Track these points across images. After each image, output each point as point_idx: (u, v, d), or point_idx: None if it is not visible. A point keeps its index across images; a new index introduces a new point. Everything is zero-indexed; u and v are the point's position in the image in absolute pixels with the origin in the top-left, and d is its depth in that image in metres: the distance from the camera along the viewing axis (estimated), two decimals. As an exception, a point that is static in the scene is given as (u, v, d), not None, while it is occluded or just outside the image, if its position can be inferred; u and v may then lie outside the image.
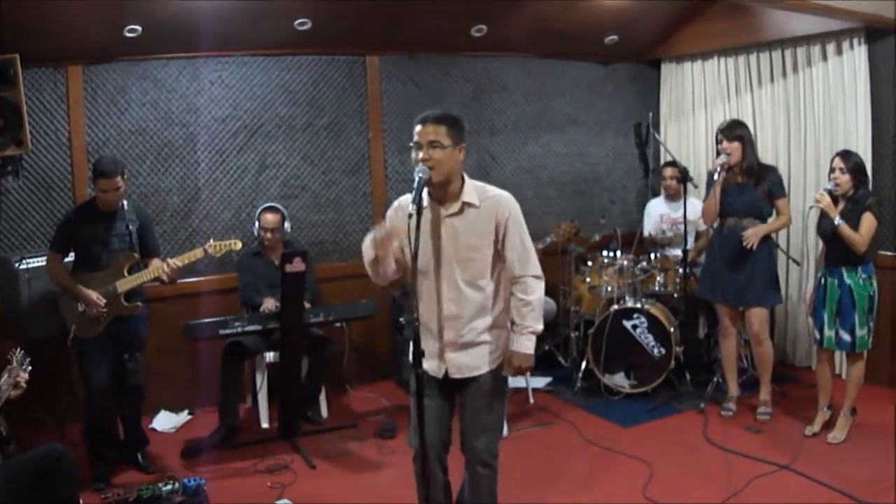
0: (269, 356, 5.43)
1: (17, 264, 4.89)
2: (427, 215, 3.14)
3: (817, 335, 4.91)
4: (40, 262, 4.80)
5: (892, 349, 5.68)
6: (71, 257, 4.65)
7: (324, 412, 5.68)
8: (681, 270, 5.89)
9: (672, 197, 6.50)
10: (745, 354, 5.94)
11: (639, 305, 5.75)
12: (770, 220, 5.21)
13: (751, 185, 5.15)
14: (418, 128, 3.13)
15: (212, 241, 4.81)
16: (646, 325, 5.71)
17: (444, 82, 6.59)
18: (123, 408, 4.80)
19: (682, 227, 5.88)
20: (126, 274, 4.57)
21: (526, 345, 3.27)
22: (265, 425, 5.48)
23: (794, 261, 6.09)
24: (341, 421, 5.58)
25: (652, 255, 6.10)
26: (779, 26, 6.05)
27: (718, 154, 5.19)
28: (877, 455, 4.59)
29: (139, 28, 5.09)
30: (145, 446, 4.91)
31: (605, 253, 6.15)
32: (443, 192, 3.19)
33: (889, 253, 5.65)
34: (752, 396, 5.46)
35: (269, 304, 5.23)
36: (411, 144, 3.15)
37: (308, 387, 5.49)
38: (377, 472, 4.79)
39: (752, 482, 4.34)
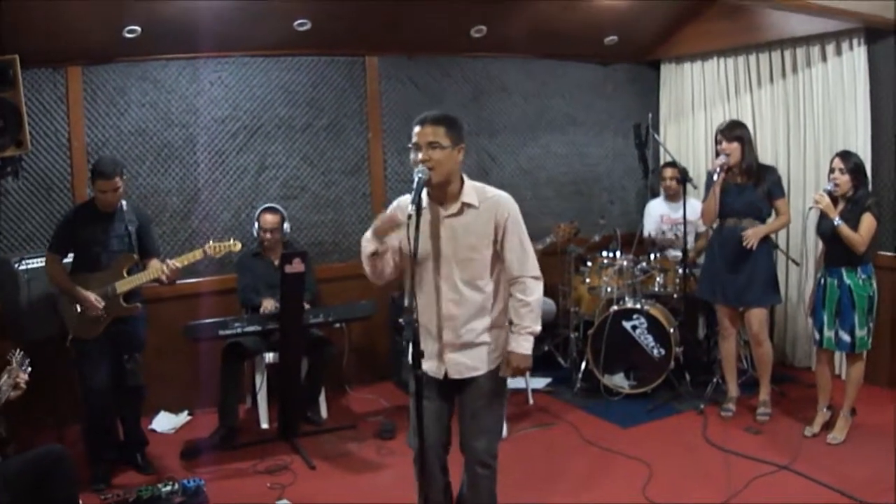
0: (269, 357, 5.43)
1: (16, 265, 4.89)
2: (426, 216, 3.14)
3: (817, 336, 4.91)
4: (40, 262, 4.80)
5: (892, 350, 5.68)
6: (70, 258, 4.65)
7: (323, 413, 5.69)
8: (680, 271, 5.89)
9: (672, 197, 6.50)
10: (744, 355, 5.94)
11: (638, 306, 5.75)
12: (769, 220, 5.21)
13: (750, 185, 5.15)
14: (417, 129, 3.13)
15: (211, 242, 4.81)
16: (645, 325, 5.71)
17: (444, 83, 6.59)
18: (123, 408, 4.80)
19: (682, 227, 5.88)
20: (125, 275, 4.57)
21: (524, 345, 3.27)
22: (265, 426, 5.47)
23: (794, 261, 6.09)
24: (341, 422, 5.58)
25: (651, 256, 6.09)
26: (778, 27, 6.05)
27: (718, 154, 5.19)
28: (876, 455, 4.58)
29: (139, 29, 5.09)
30: (145, 447, 4.91)
31: (604, 253, 6.15)
32: (442, 192, 3.19)
33: (888, 253, 5.65)
34: (752, 397, 5.46)
35: (269, 304, 5.23)
36: (410, 145, 3.15)
37: (307, 387, 5.49)
38: (376, 473, 4.79)
39: (751, 483, 4.34)
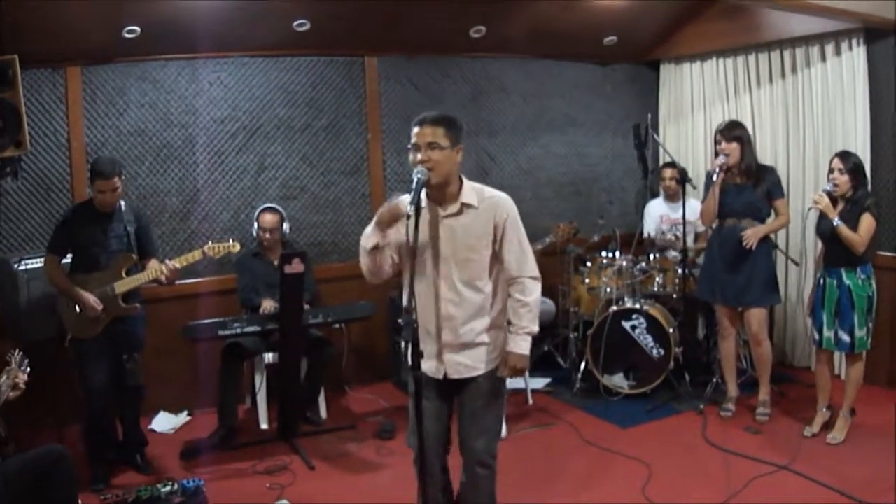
0: (268, 357, 5.43)
1: (15, 265, 4.90)
2: (425, 216, 3.14)
3: (816, 336, 4.91)
4: (39, 263, 4.80)
5: (891, 350, 5.68)
6: (69, 258, 4.64)
7: (323, 413, 5.69)
8: (680, 271, 5.89)
9: (671, 198, 6.50)
10: (744, 355, 5.94)
11: (638, 306, 5.75)
12: (769, 220, 5.21)
13: (749, 185, 5.15)
14: (416, 129, 3.13)
15: (210, 242, 4.82)
16: (645, 325, 5.71)
17: (443, 83, 6.59)
18: (122, 409, 4.80)
19: (681, 228, 5.88)
20: (124, 275, 4.57)
21: (522, 345, 3.27)
22: (264, 426, 5.48)
23: (793, 261, 6.09)
24: (340, 422, 5.58)
25: (651, 256, 6.10)
26: (778, 27, 6.05)
27: (717, 155, 5.19)
28: (876, 455, 4.59)
29: (138, 29, 5.09)
30: (144, 447, 4.91)
31: (603, 254, 6.15)
32: (441, 193, 3.19)
33: (888, 253, 5.65)
34: (752, 397, 5.46)
35: (268, 305, 5.23)
36: (409, 146, 3.16)
37: (307, 388, 5.49)
38: (376, 473, 4.79)
39: (751, 483, 4.34)
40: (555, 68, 7.07)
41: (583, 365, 6.00)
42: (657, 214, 6.58)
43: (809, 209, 4.87)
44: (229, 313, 5.30)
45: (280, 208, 5.62)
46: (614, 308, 5.77)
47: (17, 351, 3.61)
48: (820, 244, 5.00)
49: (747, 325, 5.29)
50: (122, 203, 4.64)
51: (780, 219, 5.23)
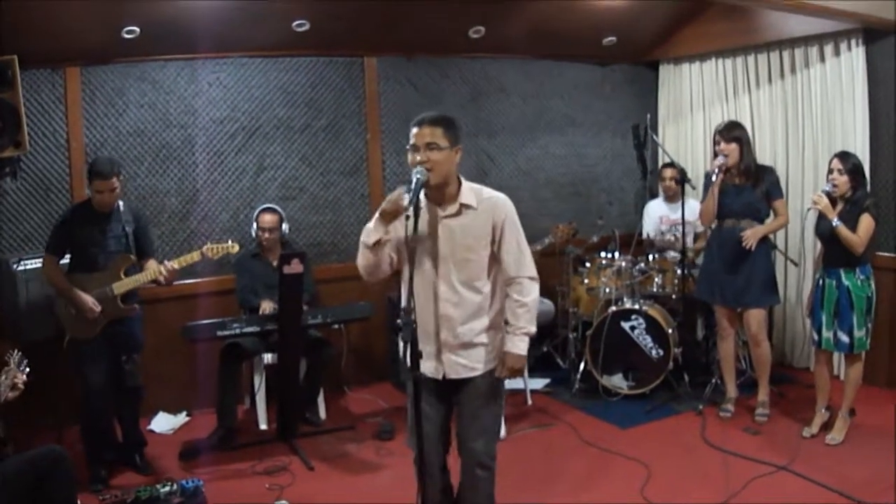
0: (268, 358, 5.43)
1: (14, 266, 4.90)
2: (424, 216, 3.14)
3: (815, 336, 4.91)
4: (38, 263, 4.79)
5: (890, 350, 5.69)
6: (67, 259, 4.64)
7: (322, 414, 5.68)
8: (679, 271, 5.89)
9: (671, 198, 6.50)
10: (743, 355, 5.94)
11: (637, 307, 5.75)
12: (768, 221, 5.22)
13: (748, 186, 5.15)
14: (415, 130, 3.14)
15: (209, 243, 4.82)
16: (644, 326, 5.71)
17: (443, 84, 6.59)
18: (121, 409, 4.80)
19: (681, 228, 5.88)
20: (122, 276, 4.57)
21: (519, 346, 3.27)
22: (263, 427, 5.48)
23: (793, 262, 6.10)
24: (339, 422, 5.58)
25: (650, 257, 6.10)
26: (777, 27, 6.05)
27: (716, 155, 5.19)
28: (875, 456, 4.59)
29: (137, 29, 5.09)
30: (143, 448, 4.91)
31: (603, 254, 6.16)
32: (440, 193, 3.20)
33: (887, 254, 5.65)
34: (751, 397, 5.46)
35: (267, 306, 5.23)
36: (408, 147, 3.16)
37: (306, 388, 5.49)
38: (375, 474, 4.79)
39: (750, 483, 4.34)
40: (554, 69, 7.07)
41: (582, 365, 6.00)
42: (656, 215, 6.58)
43: (808, 210, 4.86)
44: (228, 314, 5.30)
45: (279, 209, 5.62)
46: (613, 308, 5.77)
47: (15, 351, 3.61)
48: (819, 245, 5.01)
49: (746, 325, 5.29)
50: (121, 203, 4.64)
51: (779, 219, 5.23)
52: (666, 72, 7.37)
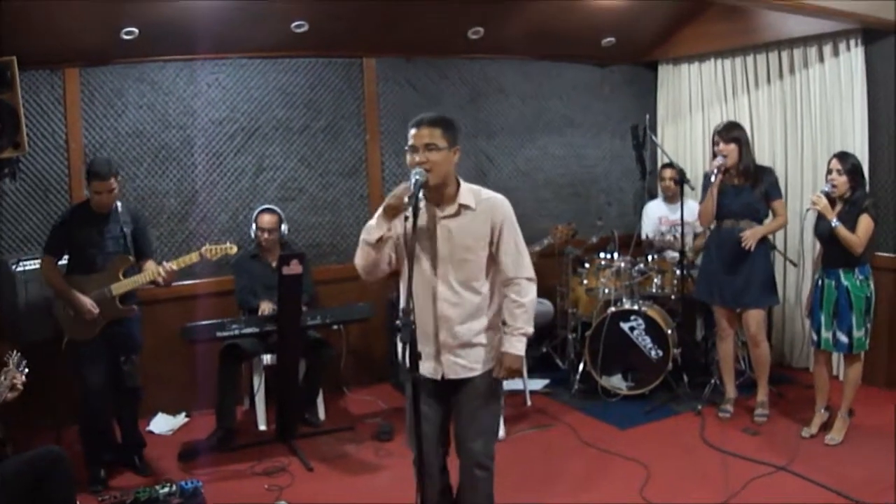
0: (267, 359, 5.43)
1: (13, 266, 4.90)
2: (423, 217, 3.14)
3: (814, 337, 4.91)
4: (37, 264, 4.79)
5: (890, 350, 5.69)
6: (65, 259, 4.63)
7: (321, 414, 5.68)
8: (678, 272, 5.89)
9: (670, 199, 6.50)
10: (742, 356, 5.94)
11: (636, 307, 5.75)
12: (767, 221, 5.22)
13: (747, 186, 5.15)
14: (413, 131, 3.14)
15: (207, 244, 4.82)
16: (643, 326, 5.71)
17: (441, 85, 6.59)
18: (120, 410, 4.80)
19: (680, 229, 5.88)
20: (121, 277, 4.56)
21: (517, 346, 3.27)
22: (262, 428, 5.47)
23: (791, 262, 6.09)
24: (338, 423, 5.58)
25: (649, 257, 6.10)
26: (775, 28, 6.05)
27: (715, 156, 5.19)
28: (874, 456, 4.59)
29: (136, 30, 5.09)
30: (142, 449, 4.90)
31: (602, 255, 6.16)
32: (439, 194, 3.20)
33: (887, 254, 5.65)
34: (750, 398, 5.46)
35: (266, 307, 5.24)
36: (407, 148, 3.16)
37: (305, 389, 5.49)
38: (374, 475, 4.79)
39: (749, 484, 4.34)
40: (553, 69, 7.07)
41: (581, 366, 6.00)
42: (655, 216, 6.58)
43: (807, 210, 4.86)
44: (227, 315, 5.30)
45: (278, 209, 5.62)
46: (613, 309, 5.77)
47: (14, 352, 3.62)
48: (818, 245, 5.01)
49: (746, 326, 5.29)
50: (119, 204, 4.64)
51: (778, 220, 5.23)
52: (665, 72, 7.37)
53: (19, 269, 4.89)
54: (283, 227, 5.62)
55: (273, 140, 6.02)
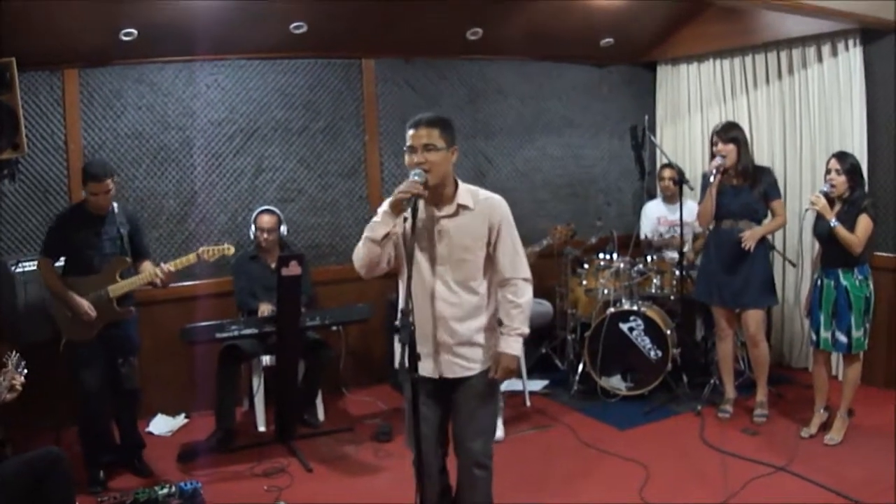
0: (266, 360, 5.42)
1: (13, 267, 4.90)
2: (421, 217, 3.14)
3: (814, 337, 4.92)
4: (36, 265, 4.79)
5: (889, 350, 5.68)
6: (62, 261, 4.62)
7: (320, 415, 5.68)
8: (677, 272, 5.89)
9: (669, 199, 6.50)
10: (741, 356, 5.94)
11: (635, 308, 5.75)
12: (765, 221, 5.22)
13: (746, 187, 5.16)
14: (411, 132, 3.14)
15: (205, 245, 4.82)
16: (642, 327, 5.71)
17: (440, 85, 6.59)
18: (119, 412, 4.80)
19: (679, 229, 5.88)
20: (118, 278, 4.56)
21: (514, 346, 3.28)
22: (262, 429, 5.47)
23: (791, 262, 6.09)
24: (338, 424, 5.58)
25: (648, 258, 6.10)
26: (774, 28, 6.06)
27: (713, 156, 5.19)
28: (874, 456, 4.59)
29: (135, 31, 5.09)
30: (142, 450, 4.90)
31: (601, 255, 6.15)
32: (437, 194, 3.20)
33: (886, 254, 5.65)
34: (749, 398, 5.46)
35: (265, 308, 5.24)
36: (405, 148, 3.16)
37: (304, 390, 5.49)
38: (374, 476, 4.78)
39: (748, 484, 4.34)
40: (552, 70, 7.08)
41: (580, 367, 6.00)
42: (654, 216, 6.58)
43: (806, 210, 4.87)
44: (226, 316, 5.30)
45: (277, 210, 5.62)
46: (612, 310, 5.77)
47: (13, 353, 3.61)
48: (817, 245, 5.01)
49: (745, 326, 5.29)
50: (115, 205, 4.64)
51: (777, 220, 5.23)
52: (664, 73, 7.38)
53: (18, 270, 4.89)
54: (283, 228, 5.62)
55: (272, 141, 6.02)
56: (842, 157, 4.75)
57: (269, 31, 5.58)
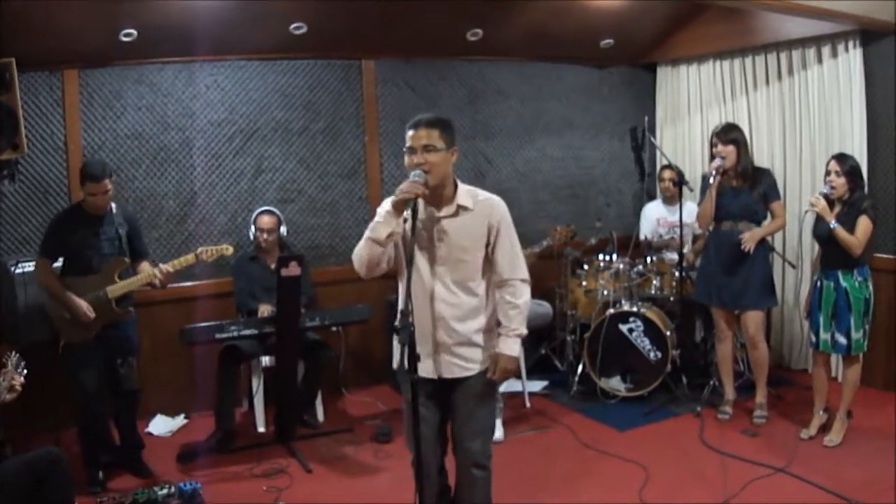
0: (266, 360, 5.42)
1: (12, 268, 4.89)
2: (421, 218, 3.14)
3: (813, 338, 4.91)
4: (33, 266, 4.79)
5: (888, 352, 5.68)
6: (60, 262, 4.62)
7: (320, 416, 5.68)
8: (677, 274, 5.89)
9: (669, 200, 6.50)
10: (741, 358, 5.94)
11: (635, 309, 5.75)
12: (765, 223, 5.22)
13: (746, 188, 5.16)
14: (411, 132, 3.14)
15: (204, 246, 4.82)
16: (642, 328, 5.71)
17: (440, 86, 6.59)
18: (118, 412, 4.79)
19: (679, 230, 5.88)
20: (117, 279, 4.56)
21: (512, 347, 3.29)
22: (261, 429, 5.47)
23: (790, 264, 6.09)
24: (337, 425, 5.58)
25: (648, 259, 6.10)
26: (774, 29, 6.06)
27: (713, 157, 5.19)
28: (873, 457, 4.59)
29: (135, 32, 5.09)
30: (141, 450, 4.89)
31: (601, 256, 6.15)
32: (437, 195, 3.20)
33: (885, 256, 5.65)
34: (749, 400, 5.46)
35: (265, 309, 5.24)
36: (405, 149, 3.16)
37: (304, 391, 5.49)
38: (373, 476, 4.78)
39: (748, 485, 4.33)
40: (551, 71, 7.08)
41: (580, 368, 6.00)
42: (654, 217, 6.58)
43: (806, 212, 4.87)
44: (226, 316, 5.30)
45: (277, 211, 5.62)
46: (611, 311, 5.77)
47: (13, 353, 3.61)
48: (816, 247, 5.01)
49: (744, 327, 5.29)
50: (113, 206, 4.64)
51: (777, 221, 5.23)
52: (663, 74, 7.38)
53: (18, 270, 4.88)
54: (282, 229, 5.62)
55: (272, 142, 6.02)
56: (841, 158, 4.75)
57: (269, 32, 5.58)
